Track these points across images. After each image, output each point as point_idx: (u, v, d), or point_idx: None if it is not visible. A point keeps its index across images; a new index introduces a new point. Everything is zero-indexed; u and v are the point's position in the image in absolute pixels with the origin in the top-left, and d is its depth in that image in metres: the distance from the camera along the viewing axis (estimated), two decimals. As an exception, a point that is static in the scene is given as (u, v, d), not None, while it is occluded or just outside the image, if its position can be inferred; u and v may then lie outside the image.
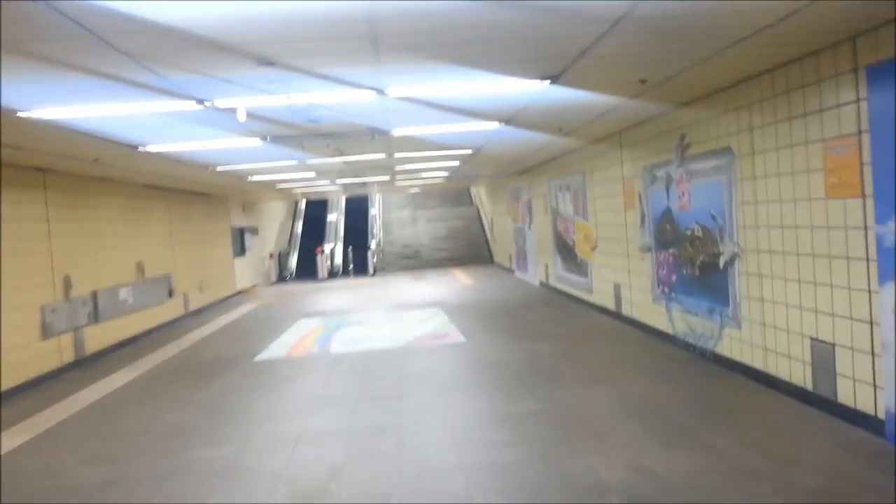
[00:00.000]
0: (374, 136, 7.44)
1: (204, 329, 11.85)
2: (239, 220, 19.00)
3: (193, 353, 9.51)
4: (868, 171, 4.36)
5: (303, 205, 25.78)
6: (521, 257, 17.23)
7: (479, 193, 25.25)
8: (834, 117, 4.69)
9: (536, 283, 15.46)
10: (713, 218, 6.61)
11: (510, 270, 19.00)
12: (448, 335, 9.54)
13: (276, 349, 9.34)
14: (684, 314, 7.43)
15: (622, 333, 8.77)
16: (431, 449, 4.84)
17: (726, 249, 6.40)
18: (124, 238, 11.12)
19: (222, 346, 10.02)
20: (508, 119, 7.23)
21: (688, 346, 7.38)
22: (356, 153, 9.54)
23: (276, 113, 6.03)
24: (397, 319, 11.42)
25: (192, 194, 14.70)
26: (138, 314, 11.27)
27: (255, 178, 12.07)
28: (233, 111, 5.42)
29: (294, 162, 9.91)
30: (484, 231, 24.20)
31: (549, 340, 8.57)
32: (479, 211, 25.48)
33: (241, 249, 19.01)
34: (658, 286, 8.14)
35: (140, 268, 11.53)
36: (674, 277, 7.66)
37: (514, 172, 15.69)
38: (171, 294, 12.83)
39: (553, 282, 13.81)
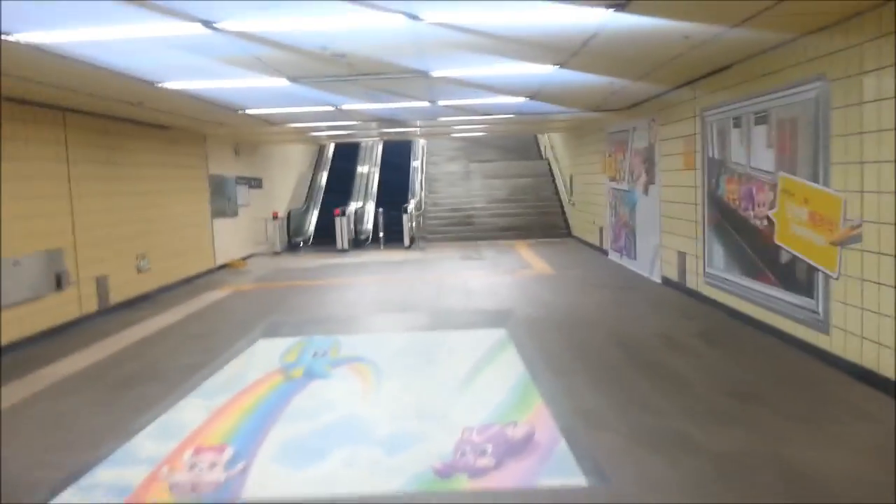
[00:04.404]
0: None
1: (79, 357, 6.65)
2: (227, 168, 13.81)
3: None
4: None
5: (331, 152, 20.50)
6: (625, 234, 11.54)
7: (551, 143, 19.44)
8: None
9: (655, 277, 9.81)
10: None
11: (600, 250, 13.34)
12: (534, 438, 4.09)
13: (138, 452, 4.08)
14: None
15: None
16: None
17: None
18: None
19: (45, 423, 4.82)
20: None
21: None
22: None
23: None
24: (426, 358, 6.01)
25: (125, 122, 9.47)
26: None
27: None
28: None
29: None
30: (558, 193, 18.45)
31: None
32: (550, 166, 19.70)
33: (230, 208, 13.88)
34: None
35: (-28, 242, 6.41)
36: None
37: (623, 105, 9.94)
38: (60, 283, 7.73)
39: (697, 283, 8.15)
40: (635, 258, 10.91)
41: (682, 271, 8.64)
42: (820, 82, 5.26)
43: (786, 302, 5.98)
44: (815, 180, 5.39)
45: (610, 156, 12.31)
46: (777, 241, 6.10)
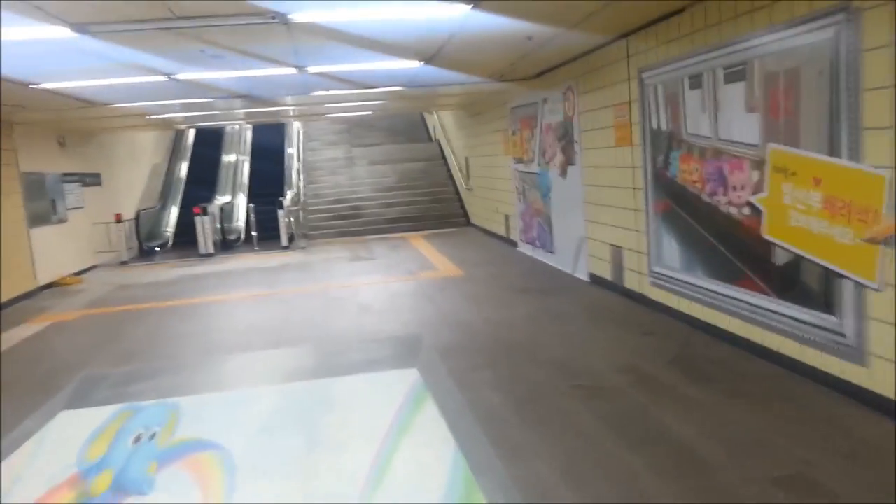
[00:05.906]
0: None
1: None
2: (50, 163, 11.05)
3: None
4: None
5: (191, 138, 17.78)
6: (539, 224, 10.01)
7: (442, 124, 17.74)
8: None
9: (581, 275, 8.33)
10: None
11: (507, 241, 11.81)
12: None
13: None
14: None
15: None
16: None
17: None
18: None
19: None
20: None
21: None
22: None
23: None
24: (308, 433, 4.06)
25: None
26: None
27: None
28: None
29: None
30: (452, 178, 16.80)
31: None
32: (441, 149, 18.01)
33: (55, 212, 11.13)
34: None
35: None
36: None
37: (532, 73, 8.35)
38: None
39: (639, 284, 6.69)
40: (553, 251, 9.41)
41: (619, 269, 7.17)
42: (842, 14, 3.78)
43: (785, 317, 4.55)
44: (834, 153, 3.93)
45: (514, 134, 10.73)
46: (767, 236, 4.65)
